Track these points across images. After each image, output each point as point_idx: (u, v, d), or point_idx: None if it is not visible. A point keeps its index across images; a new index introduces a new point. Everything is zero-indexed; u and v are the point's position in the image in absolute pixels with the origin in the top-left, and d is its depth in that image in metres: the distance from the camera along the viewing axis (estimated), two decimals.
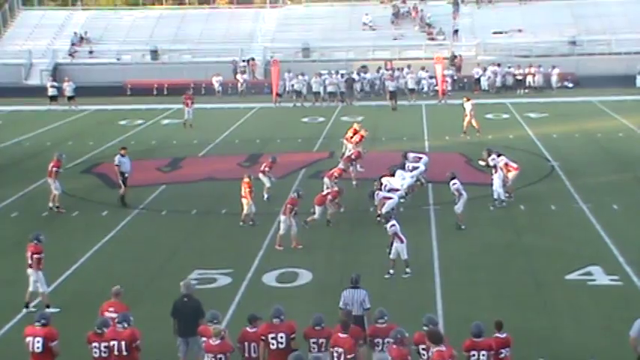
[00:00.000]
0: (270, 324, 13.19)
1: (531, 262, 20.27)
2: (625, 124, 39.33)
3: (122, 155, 26.33)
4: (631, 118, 40.41)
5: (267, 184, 26.07)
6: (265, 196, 25.87)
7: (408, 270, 19.25)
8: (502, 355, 12.89)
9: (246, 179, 23.82)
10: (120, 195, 26.28)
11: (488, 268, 19.96)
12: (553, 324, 16.33)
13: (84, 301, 17.67)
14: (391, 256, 19.36)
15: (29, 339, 13.04)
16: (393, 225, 19.38)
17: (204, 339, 13.26)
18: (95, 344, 13.03)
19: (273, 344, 13.01)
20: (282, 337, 12.98)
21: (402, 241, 19.26)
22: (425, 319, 13.06)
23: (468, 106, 36.44)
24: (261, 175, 26.01)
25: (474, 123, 36.36)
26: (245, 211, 23.66)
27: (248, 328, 13.15)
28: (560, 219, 23.97)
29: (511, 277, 19.27)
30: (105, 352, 12.99)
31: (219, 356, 12.78)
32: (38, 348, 12.96)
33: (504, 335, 13.02)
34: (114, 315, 13.77)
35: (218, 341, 12.84)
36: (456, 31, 58.26)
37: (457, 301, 17.71)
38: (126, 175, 26.21)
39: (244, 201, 23.63)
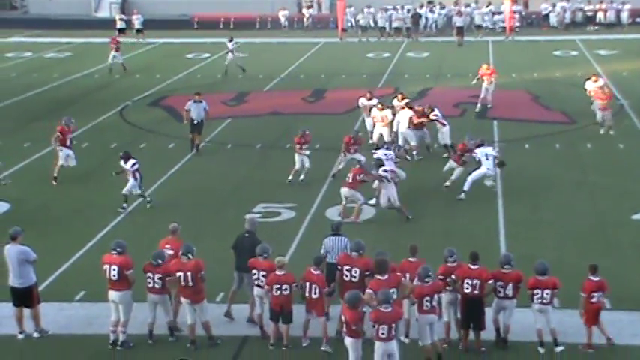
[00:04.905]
0: (349, 255, 13.33)
1: (597, 201, 20.06)
2: None
3: (194, 101, 24.77)
4: None
5: (299, 165, 21.77)
6: (300, 177, 21.84)
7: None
8: (594, 299, 12.78)
9: None
10: (190, 140, 25.01)
11: (553, 207, 19.80)
12: (617, 264, 16.15)
13: (147, 234, 17.81)
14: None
15: (106, 266, 13.40)
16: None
17: (254, 271, 13.45)
18: (149, 274, 13.36)
19: (346, 276, 13.15)
20: (356, 272, 13.07)
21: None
22: (502, 258, 13.15)
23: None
24: (296, 156, 21.91)
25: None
26: None
27: (312, 269, 13.17)
28: (627, 158, 23.59)
29: (576, 216, 19.10)
30: (158, 284, 13.32)
31: (284, 287, 13.03)
32: (114, 275, 13.31)
33: (598, 279, 12.87)
34: (170, 252, 13.92)
35: (283, 272, 13.08)
36: None
37: (521, 238, 17.67)
38: (195, 122, 24.67)
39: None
